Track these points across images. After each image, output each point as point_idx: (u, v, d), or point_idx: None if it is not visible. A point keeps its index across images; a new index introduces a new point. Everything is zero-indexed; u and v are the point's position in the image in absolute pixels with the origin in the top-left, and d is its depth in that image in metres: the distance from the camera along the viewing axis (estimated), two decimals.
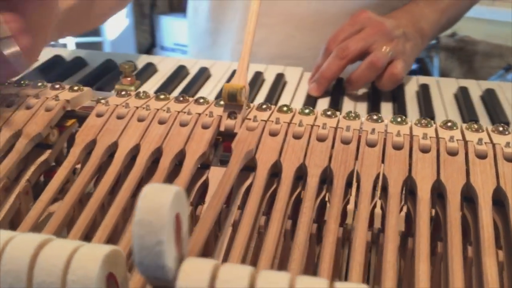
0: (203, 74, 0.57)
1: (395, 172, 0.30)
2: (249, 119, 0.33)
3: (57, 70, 0.56)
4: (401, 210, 0.29)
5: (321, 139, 0.32)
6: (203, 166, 0.33)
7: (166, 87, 0.51)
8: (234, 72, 0.49)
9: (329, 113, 0.35)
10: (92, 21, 0.58)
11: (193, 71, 0.58)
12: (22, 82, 0.39)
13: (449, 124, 0.33)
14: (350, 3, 0.67)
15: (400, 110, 0.50)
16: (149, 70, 0.56)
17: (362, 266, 0.25)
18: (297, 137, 0.32)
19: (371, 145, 0.31)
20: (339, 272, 0.30)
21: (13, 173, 0.33)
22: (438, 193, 0.30)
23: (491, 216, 0.27)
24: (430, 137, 0.32)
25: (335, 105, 0.51)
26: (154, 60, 0.60)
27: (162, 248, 0.18)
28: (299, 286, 0.18)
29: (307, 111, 0.35)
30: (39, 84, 0.38)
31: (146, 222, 0.18)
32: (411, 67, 0.60)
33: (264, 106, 0.36)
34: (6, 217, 0.31)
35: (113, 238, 0.27)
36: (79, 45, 2.14)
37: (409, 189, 0.30)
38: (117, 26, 2.31)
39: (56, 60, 0.60)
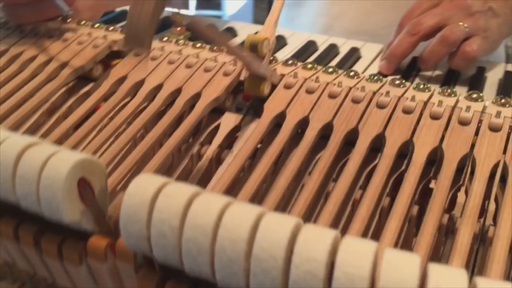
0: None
1: (396, 134, 0.29)
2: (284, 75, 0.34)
3: None
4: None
5: (332, 96, 0.32)
6: (220, 111, 0.34)
7: None
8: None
9: (352, 73, 0.35)
10: None
11: (322, 47, 0.56)
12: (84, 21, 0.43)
13: (474, 95, 0.32)
14: None
15: None
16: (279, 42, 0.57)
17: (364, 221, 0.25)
18: (309, 91, 0.33)
19: (381, 106, 0.31)
20: None
21: (57, 99, 0.37)
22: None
23: (483, 188, 0.26)
24: (447, 106, 0.31)
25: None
26: (285, 33, 0.59)
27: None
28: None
29: (330, 70, 0.35)
30: (97, 25, 0.42)
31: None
32: (497, 46, 0.56)
33: (289, 62, 0.36)
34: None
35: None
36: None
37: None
38: (237, 1, 2.36)
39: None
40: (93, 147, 0.30)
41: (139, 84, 0.35)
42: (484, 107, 0.31)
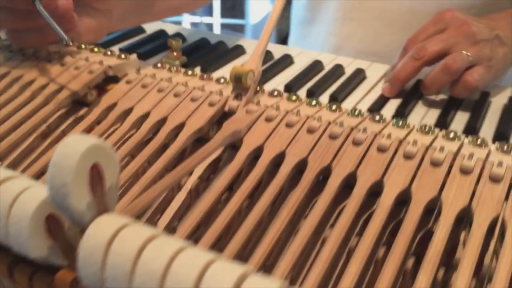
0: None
1: (367, 173, 0.30)
2: (253, 102, 0.35)
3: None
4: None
5: (310, 130, 0.33)
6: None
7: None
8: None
9: (334, 107, 0.35)
10: (152, 16, 0.61)
11: (329, 67, 0.56)
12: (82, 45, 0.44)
13: (451, 135, 0.32)
14: (448, 3, 0.63)
15: (472, 122, 0.46)
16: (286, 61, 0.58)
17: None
18: (289, 125, 0.33)
19: (357, 143, 0.32)
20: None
21: (52, 123, 0.38)
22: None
23: (446, 234, 0.26)
24: (422, 145, 0.31)
25: (405, 108, 0.48)
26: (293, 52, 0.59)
27: (67, 190, 0.21)
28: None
29: (313, 102, 0.36)
30: (95, 49, 0.44)
31: (57, 165, 0.21)
32: (502, 74, 0.55)
33: (275, 93, 0.37)
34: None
35: None
36: (223, 25, 2.27)
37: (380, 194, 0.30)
38: (261, 9, 2.37)
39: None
40: None
41: (128, 111, 0.36)
42: (461, 146, 0.31)
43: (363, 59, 0.58)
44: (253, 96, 0.36)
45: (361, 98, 0.48)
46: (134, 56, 0.43)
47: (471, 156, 0.30)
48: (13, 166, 0.35)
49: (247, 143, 0.32)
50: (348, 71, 0.54)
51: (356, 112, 0.35)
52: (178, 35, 0.63)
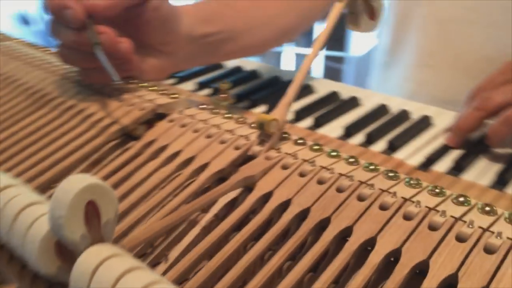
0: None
1: (363, 229, 0.30)
2: (275, 149, 0.38)
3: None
4: None
5: (320, 181, 0.34)
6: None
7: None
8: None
9: (351, 160, 0.36)
10: (220, 58, 0.64)
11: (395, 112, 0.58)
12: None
13: (461, 199, 0.32)
14: None
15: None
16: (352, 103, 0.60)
17: None
18: (302, 174, 0.35)
19: (361, 198, 0.32)
20: None
21: (104, 153, 0.43)
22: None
23: None
24: (424, 207, 0.31)
25: (464, 160, 0.47)
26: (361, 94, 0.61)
27: (62, 221, 0.24)
28: None
29: (333, 153, 0.37)
30: (152, 88, 0.48)
31: (56, 199, 0.24)
32: None
33: (299, 141, 0.39)
34: None
35: None
36: (327, 58, 2.32)
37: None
38: (364, 43, 2.36)
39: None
40: None
41: (163, 148, 0.40)
42: (468, 211, 0.31)
43: (438, 106, 0.58)
44: (276, 143, 0.38)
45: (421, 146, 0.48)
46: (183, 97, 0.47)
47: (471, 223, 0.30)
48: None
49: (259, 188, 0.35)
50: (416, 117, 0.55)
51: (371, 167, 0.35)
52: (253, 73, 0.68)
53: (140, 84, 0.49)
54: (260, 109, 0.57)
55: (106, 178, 0.39)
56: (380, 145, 0.50)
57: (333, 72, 2.49)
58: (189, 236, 0.34)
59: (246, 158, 0.38)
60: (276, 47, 0.67)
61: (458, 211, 0.31)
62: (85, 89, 0.49)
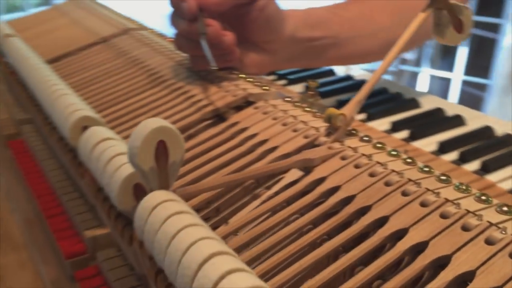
0: None
1: (398, 220, 0.33)
2: (340, 141, 0.41)
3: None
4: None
5: (371, 174, 0.37)
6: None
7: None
8: None
9: (409, 160, 0.38)
10: (323, 62, 0.67)
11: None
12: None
13: (505, 208, 0.32)
14: None
15: None
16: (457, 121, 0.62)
17: None
18: (357, 166, 0.38)
19: (405, 194, 0.34)
20: None
21: (198, 129, 0.49)
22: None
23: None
24: (463, 209, 0.32)
25: None
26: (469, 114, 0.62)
27: (136, 151, 0.30)
28: None
29: (393, 152, 0.39)
30: (249, 79, 0.54)
31: (135, 133, 0.30)
32: None
33: (365, 138, 0.42)
34: None
35: None
36: (465, 83, 2.24)
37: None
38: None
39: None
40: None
41: (243, 130, 0.45)
42: (506, 220, 0.32)
43: None
44: (341, 137, 0.41)
45: None
46: (273, 89, 0.52)
47: (504, 229, 0.30)
48: None
49: (315, 172, 0.38)
50: None
51: (426, 169, 0.37)
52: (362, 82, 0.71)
53: (240, 75, 0.55)
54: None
55: (193, 148, 0.45)
56: (473, 165, 0.51)
57: (471, 98, 2.38)
58: (250, 206, 0.39)
59: (312, 147, 0.42)
60: (381, 60, 0.69)
61: (497, 218, 0.32)
62: (193, 75, 0.56)
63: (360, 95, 0.42)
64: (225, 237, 0.35)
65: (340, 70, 0.81)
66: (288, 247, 0.33)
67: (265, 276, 0.31)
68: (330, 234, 0.34)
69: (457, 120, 0.64)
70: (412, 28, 0.41)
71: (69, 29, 0.80)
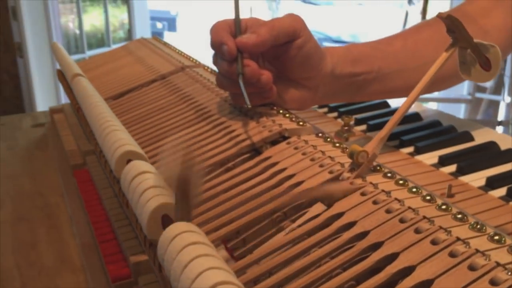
0: None
1: (407, 257, 0.33)
2: (362, 177, 0.42)
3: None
4: None
5: (388, 211, 0.38)
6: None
7: None
8: None
9: (428, 197, 0.39)
10: (364, 97, 0.68)
11: None
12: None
13: (496, 237, 0.32)
14: None
15: None
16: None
17: None
18: (375, 202, 0.39)
19: (418, 231, 0.35)
20: None
21: (236, 162, 0.52)
22: None
23: None
24: (473, 248, 0.33)
25: None
26: None
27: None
28: None
29: (414, 189, 0.40)
30: (287, 115, 0.56)
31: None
32: None
33: (388, 175, 0.43)
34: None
35: None
36: None
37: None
38: None
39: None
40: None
41: (274, 164, 0.48)
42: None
43: None
44: (364, 172, 0.43)
45: None
46: (308, 125, 0.54)
47: (510, 270, 0.30)
48: None
49: (335, 207, 0.40)
50: None
51: (444, 207, 0.38)
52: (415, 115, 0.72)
53: (279, 111, 0.58)
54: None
55: (228, 181, 0.48)
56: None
57: None
58: (275, 240, 0.41)
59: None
60: (430, 92, 0.69)
61: (505, 258, 0.32)
62: (235, 110, 0.60)
63: (384, 132, 0.43)
64: (247, 266, 0.37)
65: (395, 102, 0.82)
66: (303, 278, 0.34)
67: None
68: (344, 268, 0.35)
69: (509, 155, 0.63)
70: (434, 67, 0.42)
71: (133, 67, 0.87)
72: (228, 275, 0.29)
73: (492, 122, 2.62)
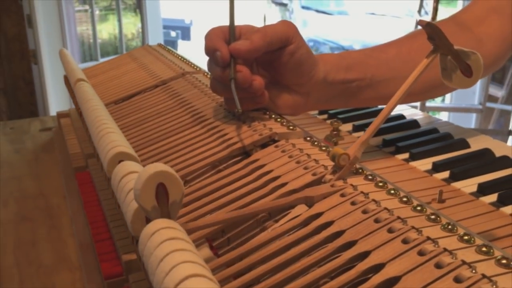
0: None
1: (379, 255, 0.34)
2: (343, 180, 0.43)
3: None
4: None
5: (364, 211, 0.39)
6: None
7: None
8: None
9: (405, 199, 0.40)
10: (358, 103, 0.69)
11: None
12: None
13: (484, 249, 0.33)
14: None
15: None
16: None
17: None
18: (353, 203, 0.40)
19: (391, 231, 0.36)
20: None
21: (228, 164, 0.54)
22: None
23: None
24: (441, 247, 0.34)
25: None
26: None
27: (137, 193, 0.35)
28: None
29: (392, 191, 0.41)
30: (279, 119, 0.58)
31: (138, 177, 0.35)
32: None
33: (369, 177, 0.44)
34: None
35: None
36: None
37: None
38: None
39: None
40: None
41: (261, 166, 0.49)
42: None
43: None
44: (345, 175, 0.44)
45: None
46: (298, 129, 0.55)
47: (474, 268, 0.31)
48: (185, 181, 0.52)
49: (315, 207, 0.41)
50: None
51: (419, 208, 0.39)
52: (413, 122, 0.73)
53: (272, 115, 0.59)
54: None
55: (216, 181, 0.49)
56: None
57: None
58: (257, 240, 0.42)
59: (319, 184, 0.45)
60: (424, 99, 0.71)
61: (472, 257, 0.33)
62: (229, 115, 0.61)
63: (364, 136, 0.44)
64: (229, 263, 0.39)
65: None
66: (280, 273, 0.36)
67: None
68: (320, 265, 0.36)
69: (503, 162, 0.63)
70: (415, 73, 0.43)
71: (136, 73, 0.89)
72: (202, 269, 0.31)
73: (503, 132, 2.61)
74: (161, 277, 0.31)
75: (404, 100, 0.70)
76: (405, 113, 0.83)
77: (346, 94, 0.64)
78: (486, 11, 0.70)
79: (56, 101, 2.46)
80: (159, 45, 1.06)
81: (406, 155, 0.67)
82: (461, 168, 0.61)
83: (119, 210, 0.60)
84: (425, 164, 0.65)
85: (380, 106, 0.81)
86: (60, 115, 0.97)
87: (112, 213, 0.61)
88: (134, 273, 0.49)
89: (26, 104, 2.49)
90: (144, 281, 0.48)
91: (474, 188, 0.58)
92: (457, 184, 0.59)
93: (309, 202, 0.42)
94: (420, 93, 0.69)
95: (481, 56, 0.59)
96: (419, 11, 2.73)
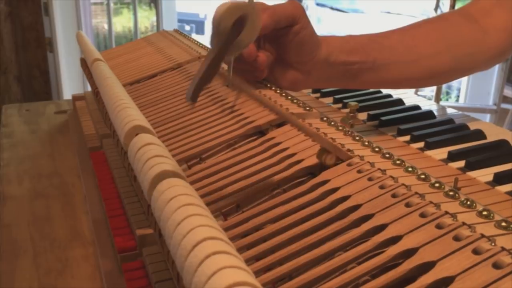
0: None
1: (396, 228, 0.34)
2: (358, 156, 0.43)
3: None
4: None
5: (381, 186, 0.39)
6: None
7: None
8: None
9: (423, 176, 0.40)
10: (358, 85, 0.69)
11: None
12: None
13: (503, 224, 0.33)
14: None
15: None
16: None
17: None
18: (370, 179, 0.40)
19: (408, 205, 0.36)
20: None
21: (242, 143, 0.54)
22: None
23: None
24: (460, 221, 0.33)
25: None
26: None
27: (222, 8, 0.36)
28: None
29: (410, 169, 0.41)
30: (295, 100, 0.58)
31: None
32: None
33: (387, 155, 0.43)
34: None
35: None
36: None
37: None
38: None
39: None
40: None
41: (277, 144, 0.49)
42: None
43: None
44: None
45: None
46: (315, 110, 0.55)
47: (494, 241, 0.31)
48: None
49: (331, 182, 0.41)
50: None
51: (437, 185, 0.38)
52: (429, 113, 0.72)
53: (288, 96, 0.59)
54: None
55: (233, 157, 0.49)
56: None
57: None
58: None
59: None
60: (424, 86, 0.71)
61: (490, 231, 0.32)
62: (246, 95, 0.61)
63: None
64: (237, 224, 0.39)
65: (411, 100, 0.82)
66: (293, 245, 0.36)
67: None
68: (334, 237, 0.36)
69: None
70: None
71: (152, 57, 0.89)
72: (216, 232, 0.31)
73: None
74: (178, 239, 0.31)
75: (403, 84, 0.71)
76: (421, 105, 0.82)
77: (347, 75, 0.64)
78: (492, 4, 0.70)
79: (70, 90, 2.48)
80: (175, 30, 1.06)
81: (421, 144, 0.66)
82: (477, 158, 0.60)
83: (133, 187, 0.61)
84: (440, 153, 0.64)
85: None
86: (76, 98, 0.97)
87: (126, 190, 0.61)
88: (148, 247, 0.50)
89: (40, 93, 2.50)
90: (157, 254, 0.49)
91: (490, 178, 0.57)
92: (472, 174, 0.59)
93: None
94: (422, 78, 0.69)
95: (487, 47, 0.59)
96: (436, 10, 2.70)
